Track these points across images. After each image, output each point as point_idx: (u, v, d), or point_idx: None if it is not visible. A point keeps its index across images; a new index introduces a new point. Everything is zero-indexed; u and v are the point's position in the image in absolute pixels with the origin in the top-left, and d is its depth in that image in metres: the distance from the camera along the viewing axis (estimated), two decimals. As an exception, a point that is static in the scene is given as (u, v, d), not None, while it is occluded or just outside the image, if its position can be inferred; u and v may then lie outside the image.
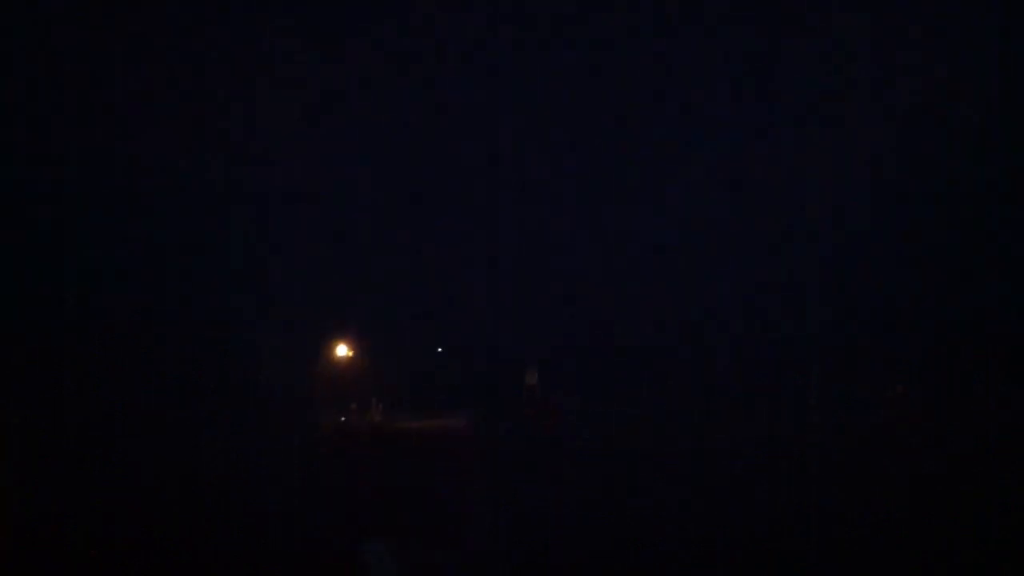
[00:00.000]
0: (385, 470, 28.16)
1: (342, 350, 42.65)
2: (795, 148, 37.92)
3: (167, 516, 21.73)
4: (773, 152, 37.19)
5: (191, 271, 28.94)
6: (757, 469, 27.80)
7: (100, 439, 25.78)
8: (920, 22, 36.22)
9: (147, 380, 26.93)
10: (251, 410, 27.93)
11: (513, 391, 38.05)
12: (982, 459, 28.90)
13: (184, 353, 27.80)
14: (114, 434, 26.10)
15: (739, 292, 37.24)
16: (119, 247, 28.82)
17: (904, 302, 36.20)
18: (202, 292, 29.19)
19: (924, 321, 35.35)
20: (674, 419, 32.92)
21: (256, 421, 27.71)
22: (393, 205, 39.17)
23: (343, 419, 38.72)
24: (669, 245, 38.81)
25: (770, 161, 37.10)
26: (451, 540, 23.07)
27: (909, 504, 25.12)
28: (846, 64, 37.62)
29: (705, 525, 23.01)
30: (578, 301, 38.43)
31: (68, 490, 23.08)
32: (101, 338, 27.06)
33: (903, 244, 37.03)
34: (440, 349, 43.75)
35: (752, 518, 23.47)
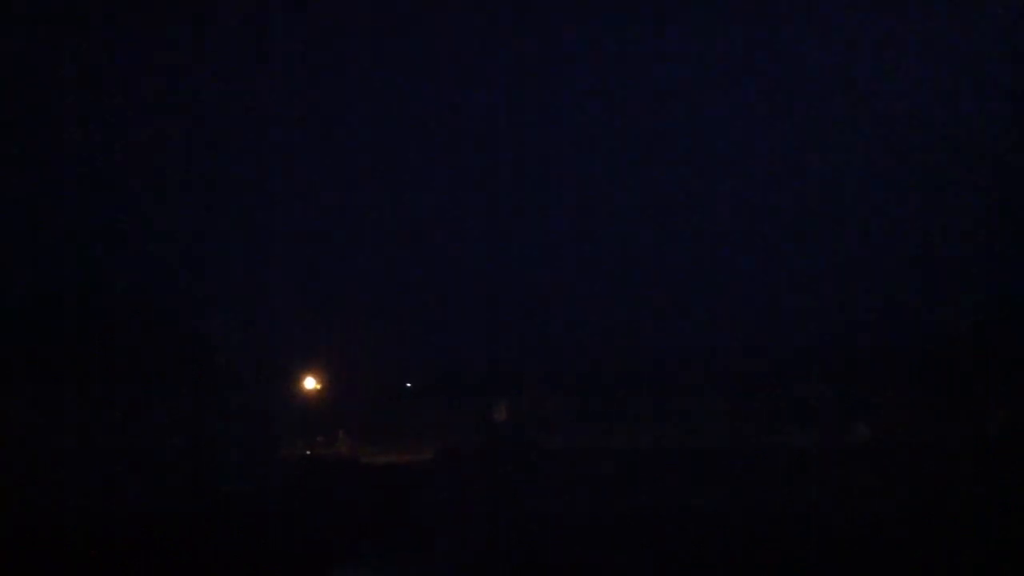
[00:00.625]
0: (351, 503, 28.14)
1: (310, 382, 42.43)
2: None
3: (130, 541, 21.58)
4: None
5: (162, 291, 28.88)
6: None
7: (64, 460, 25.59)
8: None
9: (111, 397, 26.72)
10: (217, 438, 27.81)
11: (481, 427, 37.60)
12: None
13: (150, 373, 27.61)
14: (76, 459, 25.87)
15: (734, 310, 36.81)
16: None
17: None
18: (170, 315, 29.10)
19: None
20: (670, 459, 31.47)
21: (221, 451, 27.63)
22: (368, 230, 39.16)
23: (308, 452, 38.37)
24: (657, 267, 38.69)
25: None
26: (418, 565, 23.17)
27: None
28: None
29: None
30: (561, 329, 38.09)
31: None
32: (70, 355, 26.88)
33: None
34: (409, 384, 43.68)
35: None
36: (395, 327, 38.84)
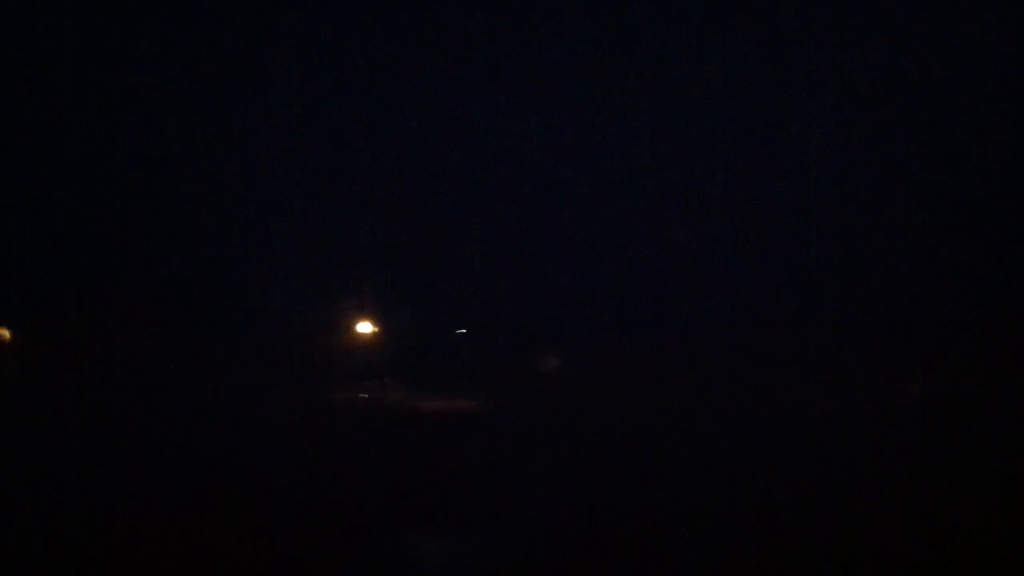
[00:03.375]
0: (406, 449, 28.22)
1: (364, 326, 42.45)
2: (799, 146, 37.60)
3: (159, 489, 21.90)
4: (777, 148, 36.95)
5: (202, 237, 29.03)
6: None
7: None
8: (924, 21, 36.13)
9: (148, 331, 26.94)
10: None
11: (530, 375, 37.54)
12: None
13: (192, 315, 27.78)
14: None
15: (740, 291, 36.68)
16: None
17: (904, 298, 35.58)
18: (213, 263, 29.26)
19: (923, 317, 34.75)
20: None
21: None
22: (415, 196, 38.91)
23: (363, 395, 38.52)
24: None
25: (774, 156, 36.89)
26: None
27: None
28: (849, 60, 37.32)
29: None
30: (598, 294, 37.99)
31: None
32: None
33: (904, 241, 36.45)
34: (462, 330, 43.67)
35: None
36: (448, 275, 38.76)
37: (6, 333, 26.29)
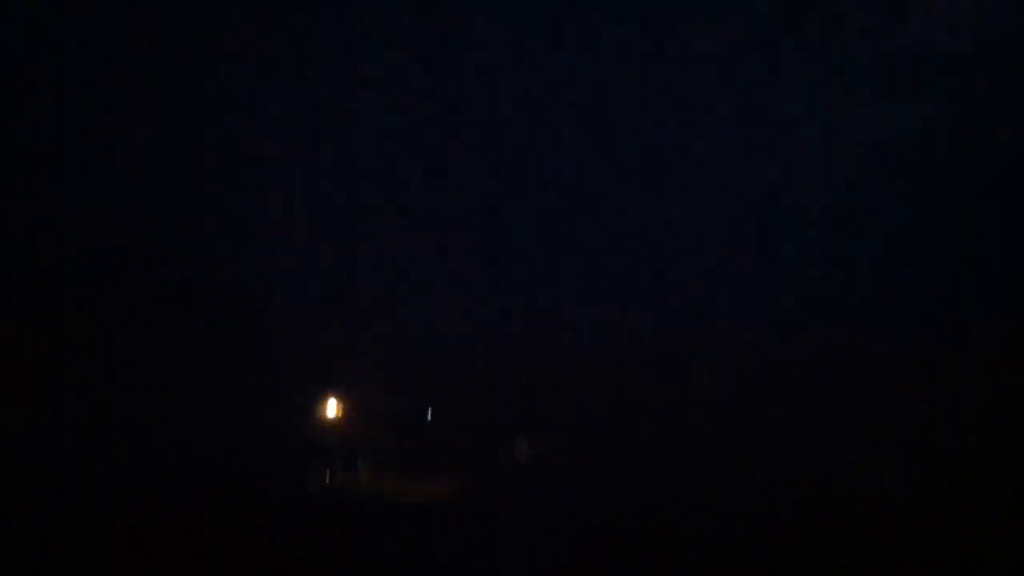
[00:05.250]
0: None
1: (331, 409, 41.63)
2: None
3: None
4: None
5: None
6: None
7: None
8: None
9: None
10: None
11: (504, 462, 37.08)
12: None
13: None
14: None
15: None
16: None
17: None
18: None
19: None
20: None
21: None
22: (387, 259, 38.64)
23: (327, 481, 37.74)
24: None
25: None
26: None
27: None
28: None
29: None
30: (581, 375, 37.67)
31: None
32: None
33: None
34: (430, 417, 43.02)
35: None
36: (415, 359, 38.26)
37: None
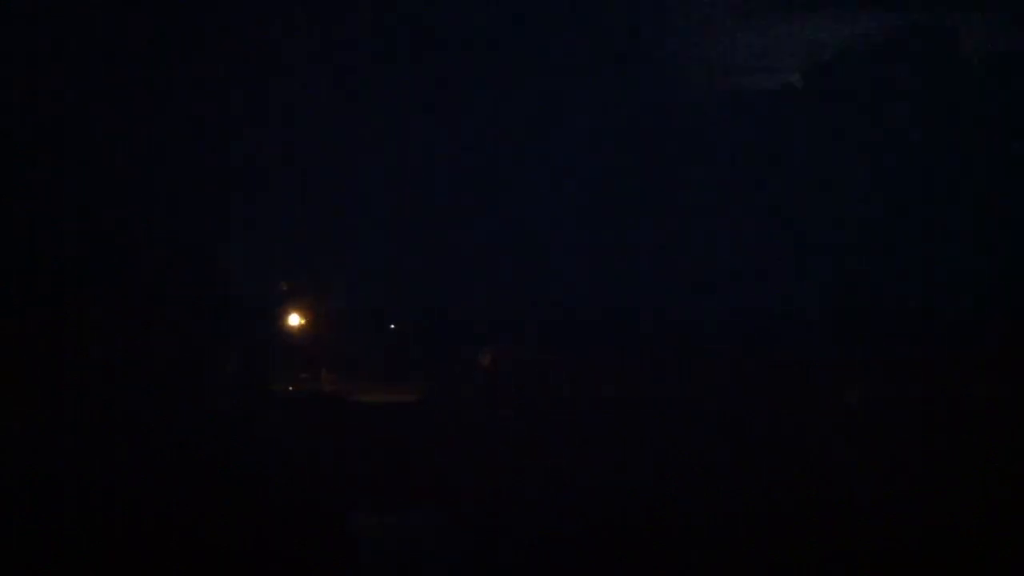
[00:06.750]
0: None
1: (294, 318, 42.07)
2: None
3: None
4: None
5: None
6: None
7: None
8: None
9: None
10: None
11: (470, 372, 37.65)
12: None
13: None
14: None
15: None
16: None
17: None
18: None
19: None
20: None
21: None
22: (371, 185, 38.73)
23: (290, 388, 38.17)
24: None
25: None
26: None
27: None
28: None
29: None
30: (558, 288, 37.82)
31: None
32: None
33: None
34: (393, 326, 43.62)
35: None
36: (382, 267, 38.70)
37: None
